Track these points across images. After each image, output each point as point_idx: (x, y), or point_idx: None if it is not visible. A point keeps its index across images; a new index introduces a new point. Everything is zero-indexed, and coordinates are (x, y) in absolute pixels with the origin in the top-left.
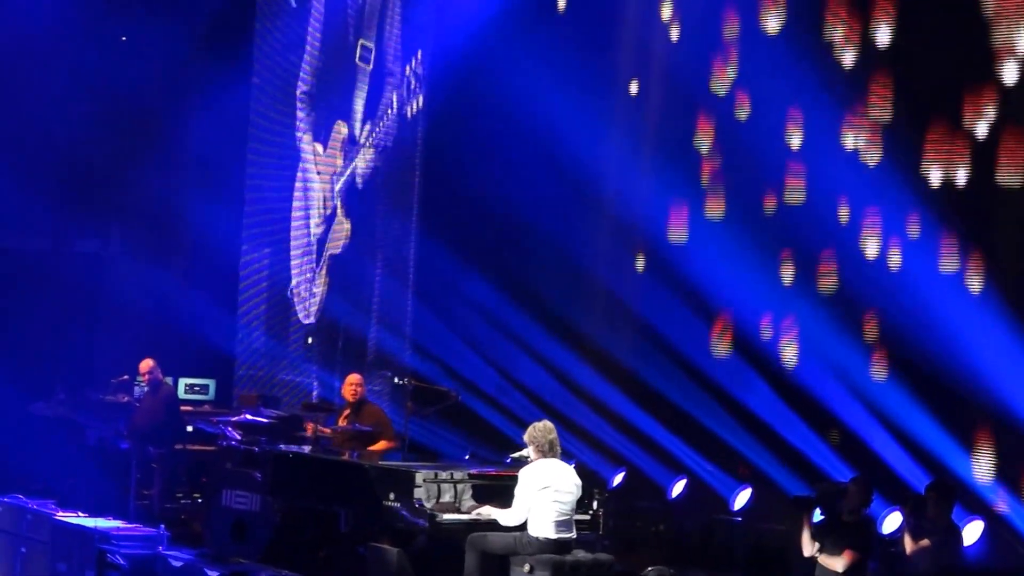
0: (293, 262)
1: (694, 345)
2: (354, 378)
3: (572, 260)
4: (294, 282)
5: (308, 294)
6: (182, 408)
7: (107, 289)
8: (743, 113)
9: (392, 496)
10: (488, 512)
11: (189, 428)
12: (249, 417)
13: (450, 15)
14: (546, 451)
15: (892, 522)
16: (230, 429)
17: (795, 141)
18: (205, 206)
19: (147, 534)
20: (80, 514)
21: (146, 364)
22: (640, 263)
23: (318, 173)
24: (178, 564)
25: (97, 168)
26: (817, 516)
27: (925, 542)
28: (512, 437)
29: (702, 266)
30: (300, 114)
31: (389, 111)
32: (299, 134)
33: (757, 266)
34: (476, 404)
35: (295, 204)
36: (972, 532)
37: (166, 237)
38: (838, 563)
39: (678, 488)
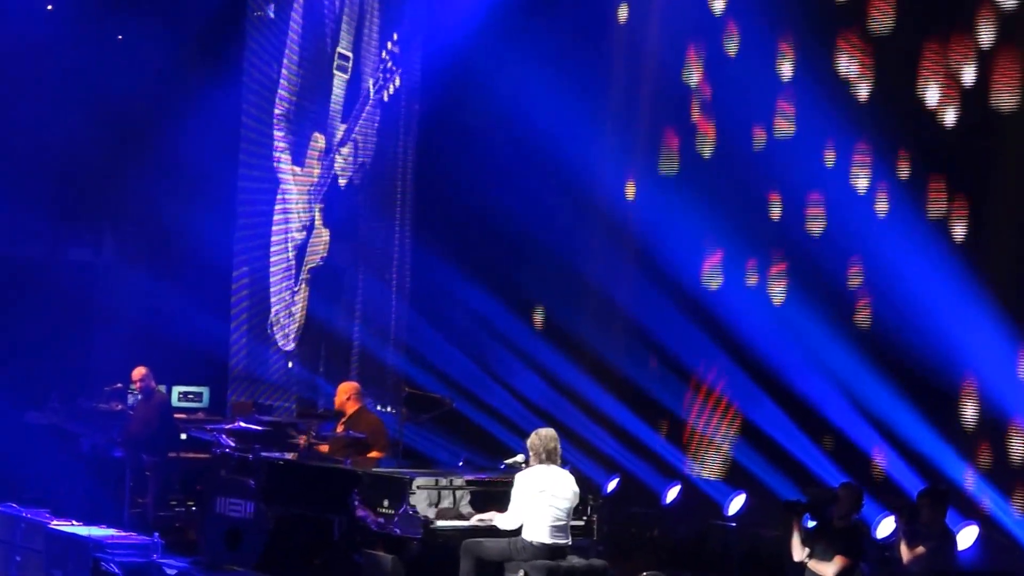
0: (272, 288)
1: (690, 349)
2: (345, 388)
3: (566, 264)
4: (273, 311)
5: (288, 320)
6: (176, 416)
7: (100, 297)
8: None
9: (386, 503)
10: (484, 517)
11: (183, 436)
12: (243, 424)
13: (441, 18)
14: (544, 459)
15: (886, 527)
16: (224, 437)
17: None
18: (198, 214)
19: (141, 542)
20: (74, 522)
21: (138, 372)
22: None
23: (296, 192)
24: (172, 572)
25: (90, 176)
26: (809, 522)
27: (921, 549)
28: (506, 443)
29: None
30: (277, 134)
31: (369, 103)
32: (277, 154)
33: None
34: (470, 410)
35: (274, 228)
36: (966, 537)
37: (159, 245)
38: (829, 568)
39: (672, 494)
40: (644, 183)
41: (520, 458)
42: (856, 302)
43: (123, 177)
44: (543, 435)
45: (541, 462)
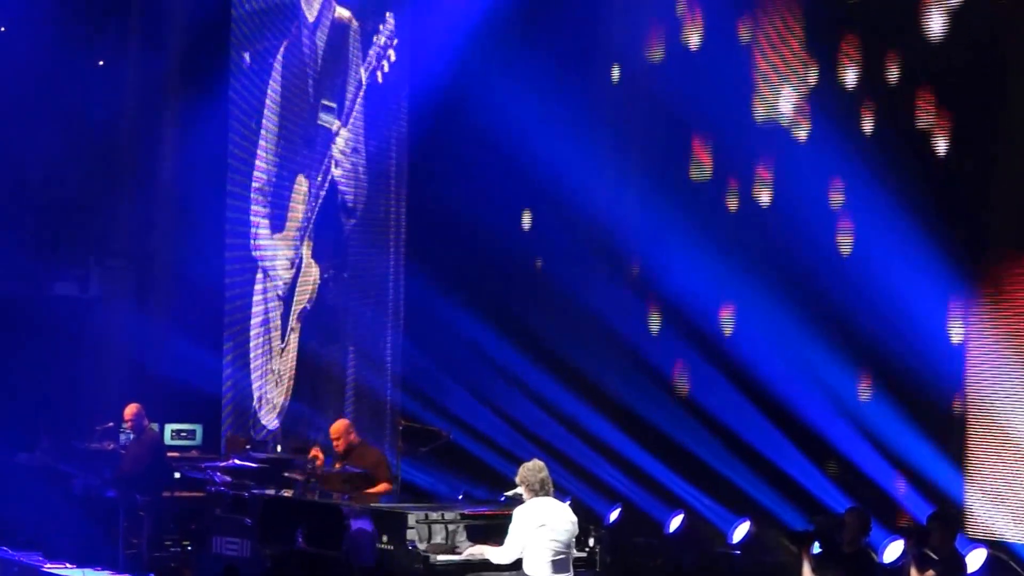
0: (254, 374)
1: (691, 376)
2: (335, 430)
3: (564, 291)
4: (256, 396)
5: (274, 391)
6: (169, 454)
7: (88, 333)
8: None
9: (385, 539)
10: (480, 551)
11: (176, 474)
12: (238, 462)
13: (433, 39)
14: (538, 490)
15: (894, 551)
16: (218, 474)
17: None
18: (186, 245)
19: None
20: (68, 565)
21: (130, 410)
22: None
23: (282, 253)
24: None
25: (74, 208)
26: (815, 548)
27: (931, 573)
28: (506, 475)
29: (695, 291)
30: (255, 208)
31: (361, 88)
32: (254, 230)
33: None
34: (468, 442)
35: (254, 310)
36: (975, 560)
37: (147, 278)
38: None
39: (676, 523)
40: (642, 207)
41: (521, 490)
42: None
43: (108, 209)
44: (530, 467)
45: (536, 494)
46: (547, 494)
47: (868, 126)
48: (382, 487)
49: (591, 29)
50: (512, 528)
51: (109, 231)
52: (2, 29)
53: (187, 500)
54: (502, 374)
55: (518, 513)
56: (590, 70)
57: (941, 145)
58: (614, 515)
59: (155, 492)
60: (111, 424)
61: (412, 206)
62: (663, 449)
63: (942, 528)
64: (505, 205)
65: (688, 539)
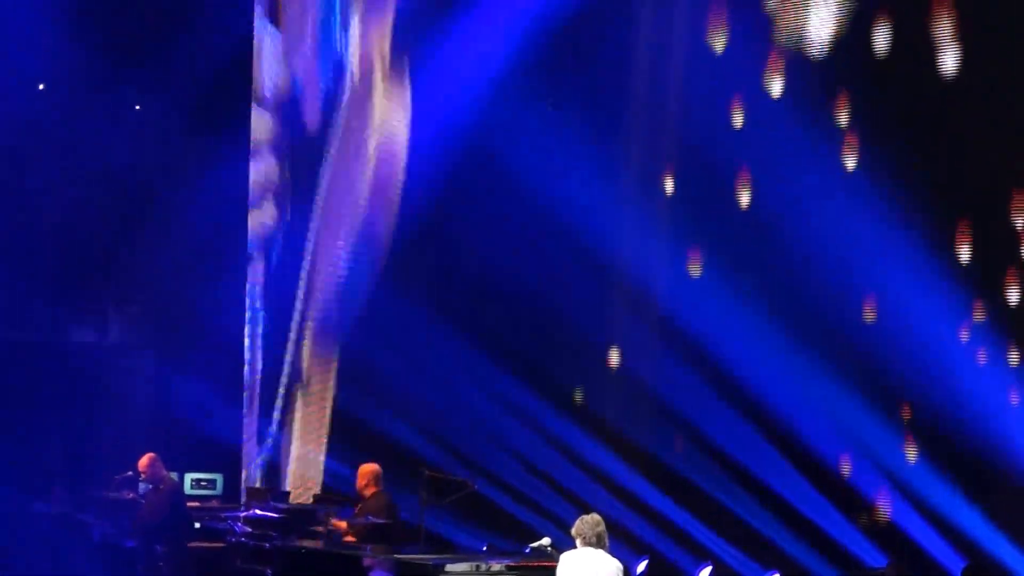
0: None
1: (718, 426)
2: (368, 471)
3: (590, 339)
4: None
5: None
6: (189, 503)
7: (106, 380)
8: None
9: None
10: None
11: (196, 524)
12: (259, 512)
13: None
14: (594, 544)
15: None
16: (239, 524)
17: None
18: (206, 291)
19: None
20: None
21: (144, 461)
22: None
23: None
24: None
25: (92, 253)
26: None
27: None
28: (529, 525)
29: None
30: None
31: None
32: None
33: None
34: (491, 492)
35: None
36: None
37: (166, 324)
38: None
39: (704, 575)
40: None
41: (546, 541)
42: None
43: (127, 254)
44: (588, 521)
45: (591, 546)
46: (602, 548)
47: None
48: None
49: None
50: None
51: (128, 277)
52: (41, 87)
53: (207, 551)
54: (527, 423)
55: (563, 559)
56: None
57: None
58: (641, 567)
59: (175, 542)
60: (130, 473)
61: (429, 248)
62: (691, 500)
63: None
64: (528, 250)
65: None
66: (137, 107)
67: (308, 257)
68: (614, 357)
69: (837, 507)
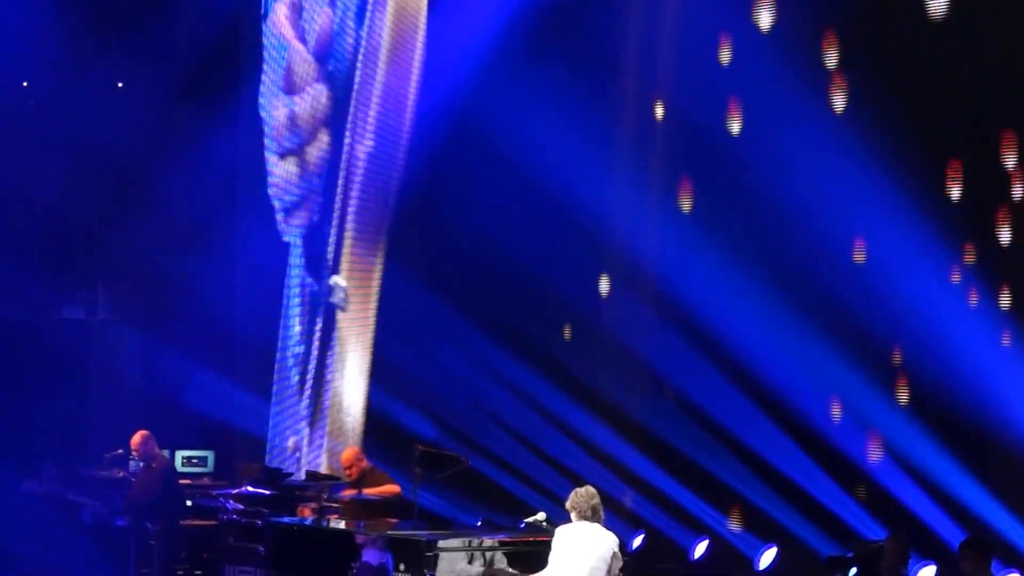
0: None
1: (713, 396)
2: (346, 459)
3: (582, 312)
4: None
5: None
6: (180, 481)
7: (96, 358)
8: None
9: (403, 567)
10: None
11: (188, 502)
12: (250, 489)
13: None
14: (589, 517)
15: None
16: (231, 502)
17: None
18: (197, 266)
19: None
20: None
21: (137, 438)
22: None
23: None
24: None
25: (81, 230)
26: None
27: None
28: (524, 500)
29: (721, 313)
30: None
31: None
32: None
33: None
34: (487, 468)
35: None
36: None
37: (157, 301)
38: None
39: (700, 549)
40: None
41: (541, 516)
42: (891, 348)
43: (116, 230)
44: (582, 493)
45: (586, 520)
46: (598, 521)
47: None
48: (390, 488)
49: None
50: (552, 547)
51: (117, 253)
52: (25, 84)
53: (199, 529)
54: (521, 398)
55: (559, 532)
56: (604, 79)
57: None
58: (637, 541)
59: (166, 521)
60: (120, 451)
61: (431, 229)
62: (687, 474)
63: (975, 555)
64: (524, 226)
65: (713, 566)
66: (120, 84)
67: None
68: (607, 329)
69: (835, 480)
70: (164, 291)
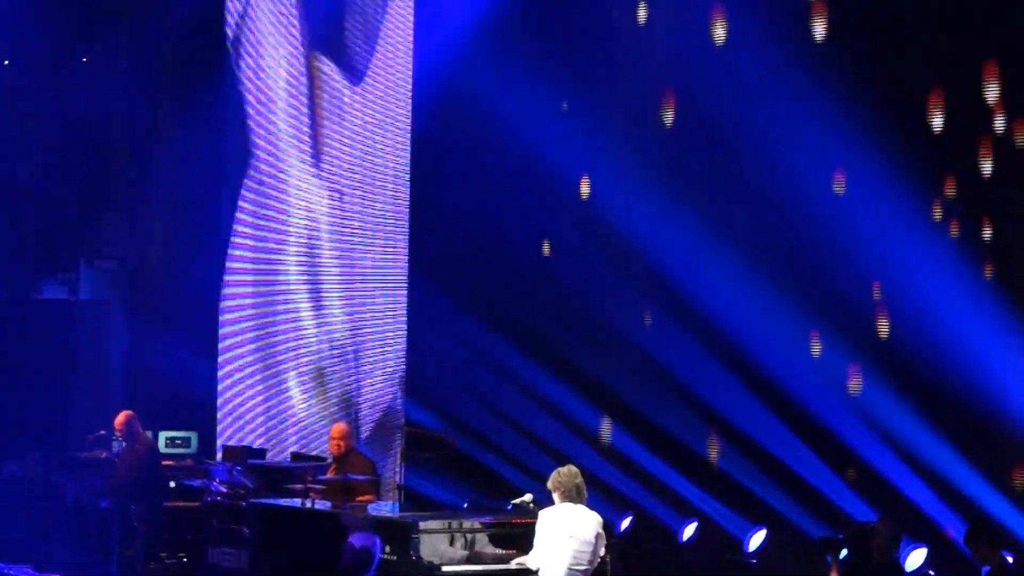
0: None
1: (701, 381)
2: (337, 430)
3: (572, 293)
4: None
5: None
6: (163, 463)
7: (78, 338)
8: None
9: (388, 549)
10: (523, 560)
11: (172, 483)
12: (234, 470)
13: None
14: (574, 496)
15: (916, 559)
16: (215, 484)
17: None
18: (180, 246)
19: None
20: None
21: (120, 418)
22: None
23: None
24: None
25: (63, 210)
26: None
27: None
28: (511, 482)
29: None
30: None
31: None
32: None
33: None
34: (473, 448)
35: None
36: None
37: (139, 281)
38: None
39: (689, 531)
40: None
41: (528, 497)
42: (876, 317)
43: (99, 210)
44: (565, 473)
45: (570, 500)
46: (582, 501)
47: None
48: (367, 497)
49: (602, 27)
50: (537, 530)
51: (100, 233)
52: (6, 62)
53: (182, 510)
54: (510, 379)
55: (542, 516)
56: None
57: None
58: (626, 523)
59: (149, 502)
60: (103, 432)
61: (416, 207)
62: (676, 456)
63: (984, 543)
64: (513, 207)
65: (702, 548)
66: (106, 64)
67: None
68: (602, 314)
69: (825, 462)
70: (147, 271)
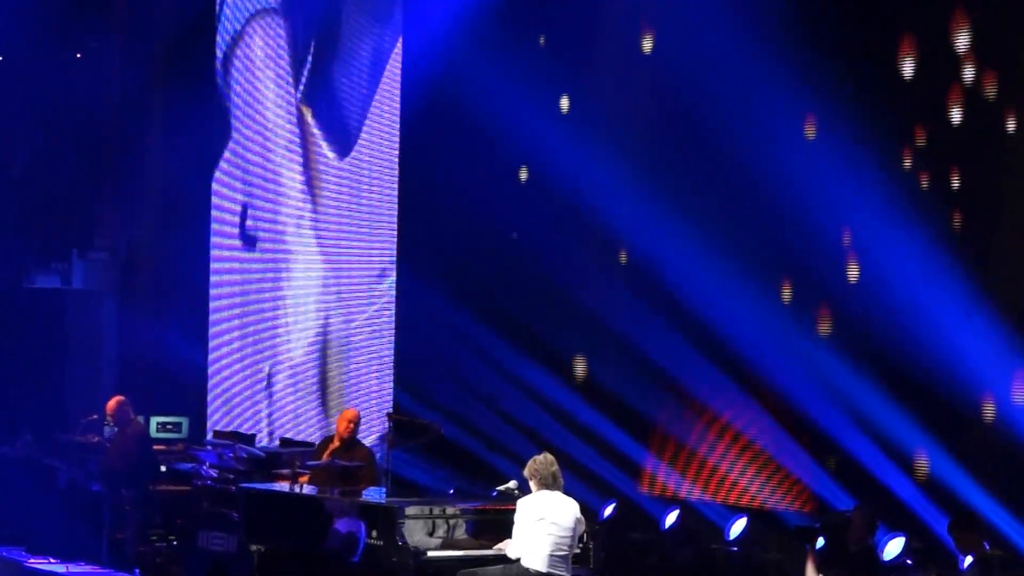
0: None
1: (686, 370)
2: (352, 414)
3: (556, 282)
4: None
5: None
6: (155, 447)
7: (71, 326)
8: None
9: (375, 534)
10: (502, 546)
11: (163, 468)
12: (225, 455)
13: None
14: (550, 484)
15: (894, 548)
16: (205, 468)
17: None
18: (172, 234)
19: None
20: (51, 560)
21: (112, 403)
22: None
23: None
24: None
25: (56, 200)
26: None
27: None
28: (497, 469)
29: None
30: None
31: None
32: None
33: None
34: (459, 435)
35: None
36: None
37: (131, 269)
38: None
39: (671, 518)
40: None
41: (513, 484)
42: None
43: (91, 200)
44: (541, 461)
45: (547, 487)
46: (558, 488)
47: None
48: (362, 486)
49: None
50: (516, 519)
51: (92, 222)
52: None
53: (173, 494)
54: (493, 366)
55: (520, 505)
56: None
57: None
58: (608, 510)
59: (141, 486)
60: (95, 416)
61: (405, 198)
62: (659, 443)
63: (966, 535)
64: (498, 195)
65: (684, 535)
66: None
67: None
68: (585, 302)
69: (805, 449)
70: (139, 260)
